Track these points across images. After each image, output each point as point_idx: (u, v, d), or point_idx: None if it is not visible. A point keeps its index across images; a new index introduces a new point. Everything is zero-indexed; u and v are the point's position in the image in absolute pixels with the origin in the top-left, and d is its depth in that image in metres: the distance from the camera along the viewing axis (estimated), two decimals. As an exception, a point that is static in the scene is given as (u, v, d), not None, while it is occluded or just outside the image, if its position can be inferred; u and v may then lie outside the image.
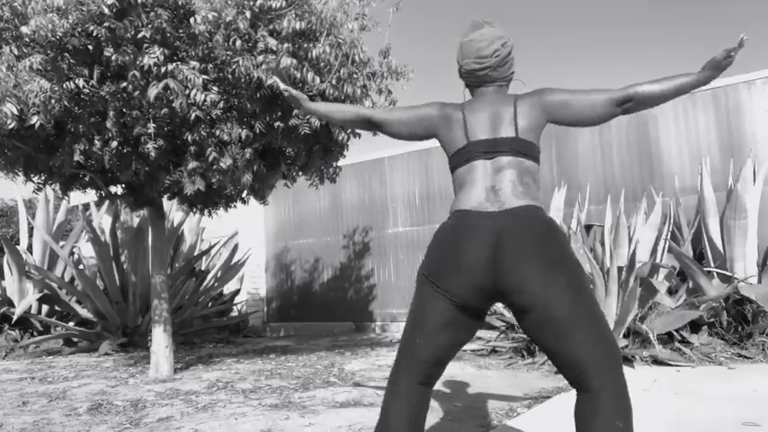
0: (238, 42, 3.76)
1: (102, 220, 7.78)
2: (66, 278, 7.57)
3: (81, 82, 3.63)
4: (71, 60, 3.71)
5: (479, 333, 5.69)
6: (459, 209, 1.67)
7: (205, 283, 7.90)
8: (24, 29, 3.40)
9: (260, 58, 3.78)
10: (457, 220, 1.66)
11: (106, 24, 3.50)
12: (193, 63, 3.72)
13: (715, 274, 5.00)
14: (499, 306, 5.47)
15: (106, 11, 3.44)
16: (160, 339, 4.84)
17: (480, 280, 1.57)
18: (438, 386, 3.91)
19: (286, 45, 3.75)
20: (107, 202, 5.01)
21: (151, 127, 3.84)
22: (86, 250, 7.92)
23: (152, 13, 3.60)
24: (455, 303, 1.62)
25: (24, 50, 3.60)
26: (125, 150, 4.15)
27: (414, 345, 1.68)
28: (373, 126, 1.94)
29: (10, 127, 3.54)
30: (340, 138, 4.49)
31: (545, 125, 1.78)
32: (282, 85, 2.01)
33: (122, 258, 7.09)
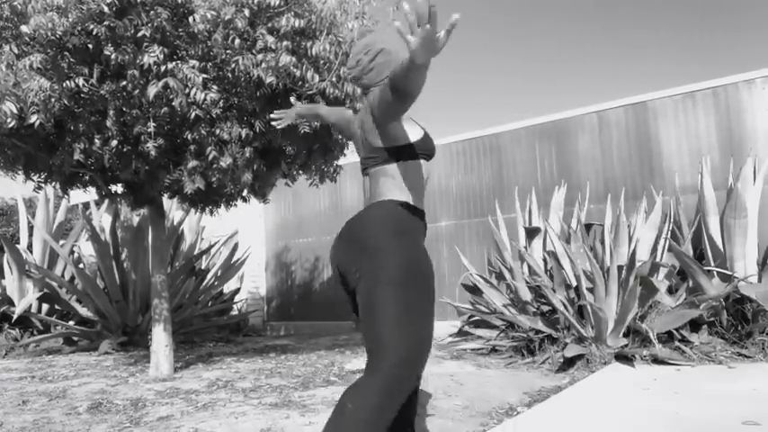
0: (237, 41, 3.75)
1: (103, 218, 7.79)
2: (67, 277, 7.57)
3: (81, 81, 3.63)
4: (71, 59, 3.72)
5: (479, 332, 5.69)
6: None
7: (205, 282, 7.90)
8: (24, 28, 3.40)
9: (259, 56, 3.78)
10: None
11: (106, 23, 3.50)
12: (193, 62, 3.72)
13: (715, 273, 5.00)
14: (498, 305, 5.47)
15: (106, 9, 3.44)
16: (160, 338, 4.84)
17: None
18: (438, 385, 3.91)
19: (285, 43, 3.75)
20: (107, 201, 5.01)
21: (151, 126, 3.84)
22: (86, 249, 7.93)
23: (152, 12, 3.60)
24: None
25: (24, 49, 3.60)
26: (125, 149, 4.15)
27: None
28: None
29: (10, 126, 3.54)
30: (339, 137, 4.49)
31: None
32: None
33: (122, 257, 7.09)
